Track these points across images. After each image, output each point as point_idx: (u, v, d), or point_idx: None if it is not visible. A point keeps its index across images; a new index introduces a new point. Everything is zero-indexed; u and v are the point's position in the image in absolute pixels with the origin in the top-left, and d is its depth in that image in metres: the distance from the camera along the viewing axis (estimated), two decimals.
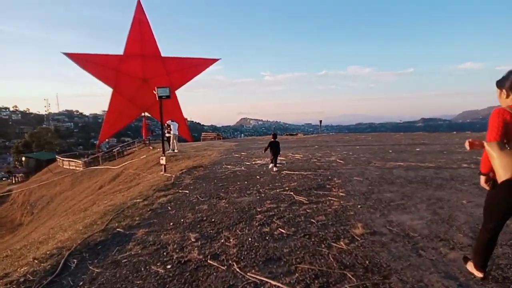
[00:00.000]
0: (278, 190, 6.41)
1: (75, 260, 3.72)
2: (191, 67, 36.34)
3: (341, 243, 3.65)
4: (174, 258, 3.55)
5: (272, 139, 9.36)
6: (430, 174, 7.43)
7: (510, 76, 2.47)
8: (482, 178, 2.66)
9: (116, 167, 20.01)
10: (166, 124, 17.65)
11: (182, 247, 3.85)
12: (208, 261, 3.40)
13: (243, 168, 9.65)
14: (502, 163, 2.33)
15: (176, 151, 17.03)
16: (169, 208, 5.70)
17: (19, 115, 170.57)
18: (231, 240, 3.94)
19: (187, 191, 6.92)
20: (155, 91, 10.73)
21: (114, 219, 5.30)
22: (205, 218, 4.91)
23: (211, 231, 4.31)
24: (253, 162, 10.75)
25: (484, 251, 2.72)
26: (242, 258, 3.42)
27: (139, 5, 32.83)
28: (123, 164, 19.09)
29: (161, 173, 10.88)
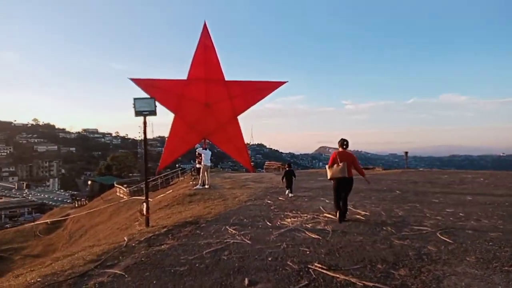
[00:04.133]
0: None
1: None
2: (256, 91, 33.00)
3: None
4: None
5: (287, 168, 10.31)
6: None
7: (340, 141, 6.63)
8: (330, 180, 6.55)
9: (151, 199, 16.97)
10: (196, 153, 14.18)
11: None
12: None
13: (247, 238, 5.20)
14: (328, 173, 6.40)
15: (206, 186, 13.31)
16: None
17: (119, 140, 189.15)
18: None
19: None
20: (133, 105, 7.10)
21: None
22: None
23: None
24: (279, 223, 6.26)
25: (336, 205, 6.35)
26: None
27: (205, 29, 31.10)
28: (155, 198, 16.02)
29: (141, 227, 7.20)
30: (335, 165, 6.26)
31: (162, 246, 5.03)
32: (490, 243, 4.55)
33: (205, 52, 31.26)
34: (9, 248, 23.23)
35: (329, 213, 6.90)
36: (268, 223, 6.26)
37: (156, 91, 33.94)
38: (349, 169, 6.24)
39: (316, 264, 3.94)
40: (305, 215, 6.87)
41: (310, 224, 6.02)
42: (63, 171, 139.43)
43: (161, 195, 14.87)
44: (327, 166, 6.50)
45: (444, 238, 4.89)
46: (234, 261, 4.18)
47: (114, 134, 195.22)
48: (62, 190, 76.55)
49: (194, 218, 7.09)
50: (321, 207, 7.60)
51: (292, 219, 6.52)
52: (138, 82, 32.96)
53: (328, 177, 6.41)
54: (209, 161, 13.64)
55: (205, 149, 13.72)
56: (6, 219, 46.52)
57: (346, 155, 6.39)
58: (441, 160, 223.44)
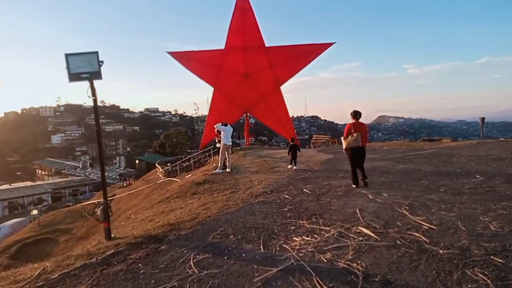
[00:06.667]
0: None
1: None
2: (300, 56, 29.49)
3: None
4: None
5: (291, 143, 11.02)
6: None
7: (352, 112, 6.78)
8: (343, 150, 6.92)
9: (179, 180, 15.39)
10: (215, 130, 11.98)
11: None
12: None
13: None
14: (344, 143, 6.75)
15: (228, 170, 11.16)
16: None
17: (178, 117, 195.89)
18: None
19: None
20: (66, 65, 4.87)
21: None
22: None
23: None
24: (279, 247, 3.82)
25: (353, 175, 6.75)
26: None
27: None
28: (181, 179, 14.34)
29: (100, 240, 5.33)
30: (349, 136, 6.66)
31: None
32: None
33: (242, 15, 28.14)
34: (57, 229, 23.87)
35: (367, 226, 4.27)
36: (261, 247, 3.84)
37: (194, 64, 31.66)
38: (363, 139, 6.63)
39: None
40: (328, 228, 4.32)
41: (330, 253, 3.48)
42: (128, 149, 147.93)
43: (185, 177, 13.11)
44: (342, 138, 6.97)
45: None
46: None
47: (173, 112, 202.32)
48: (121, 168, 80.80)
49: (168, 228, 4.94)
50: (357, 211, 4.95)
51: (303, 237, 4.03)
52: (175, 55, 30.87)
53: (343, 147, 6.87)
54: (230, 140, 11.38)
55: (226, 125, 11.43)
56: (70, 197, 49.90)
57: (360, 125, 6.78)
58: None
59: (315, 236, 4.06)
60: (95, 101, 5.08)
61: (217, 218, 5.19)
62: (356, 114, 6.77)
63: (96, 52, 4.81)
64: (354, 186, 6.73)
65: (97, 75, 4.79)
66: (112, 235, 5.43)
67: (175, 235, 4.57)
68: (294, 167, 10.18)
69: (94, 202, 29.78)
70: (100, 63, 4.85)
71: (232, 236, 4.31)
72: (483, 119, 21.37)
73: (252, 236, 4.23)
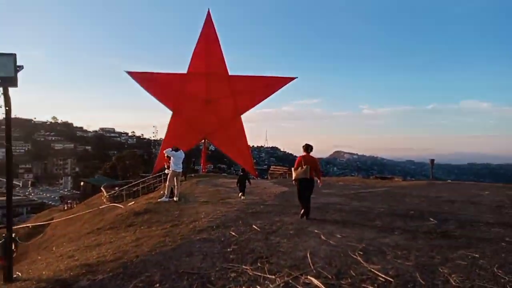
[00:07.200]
0: None
1: None
2: (262, 87, 29.56)
3: None
4: None
5: (241, 173, 11.00)
6: None
7: (304, 145, 7.12)
8: (293, 181, 7.09)
9: (122, 207, 14.06)
10: (165, 155, 11.19)
11: None
12: None
13: None
14: (293, 174, 6.97)
15: (175, 198, 10.30)
16: None
17: (135, 139, 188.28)
18: None
19: None
20: None
21: None
22: None
23: None
24: None
25: (301, 203, 6.91)
26: None
27: (208, 18, 27.99)
28: (124, 206, 13.09)
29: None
30: (299, 168, 6.88)
31: None
32: None
33: (208, 43, 27.68)
34: None
35: (317, 275, 3.72)
36: None
37: (154, 85, 30.29)
38: (311, 172, 6.85)
39: None
40: (274, 276, 3.72)
41: None
42: (77, 169, 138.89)
43: (127, 204, 11.92)
44: (293, 169, 7.17)
45: None
46: None
47: (130, 134, 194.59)
48: (66, 190, 75.26)
49: (83, 270, 4.07)
50: (308, 255, 4.41)
51: None
52: (134, 75, 29.46)
53: (293, 178, 7.11)
54: (180, 166, 10.60)
55: (177, 150, 10.69)
56: (3, 218, 44.90)
57: (310, 158, 7.04)
58: (460, 168, 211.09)
59: (257, 287, 3.43)
60: (8, 112, 4.29)
61: (146, 259, 4.40)
62: (307, 148, 7.11)
63: (14, 55, 4.05)
64: (302, 212, 6.90)
65: (12, 81, 4.02)
66: (17, 274, 4.46)
67: (88, 280, 3.72)
68: (242, 197, 10.07)
69: (29, 226, 26.80)
70: (18, 68, 4.10)
71: (158, 284, 3.55)
72: (432, 160, 22.29)
73: (183, 286, 3.51)
